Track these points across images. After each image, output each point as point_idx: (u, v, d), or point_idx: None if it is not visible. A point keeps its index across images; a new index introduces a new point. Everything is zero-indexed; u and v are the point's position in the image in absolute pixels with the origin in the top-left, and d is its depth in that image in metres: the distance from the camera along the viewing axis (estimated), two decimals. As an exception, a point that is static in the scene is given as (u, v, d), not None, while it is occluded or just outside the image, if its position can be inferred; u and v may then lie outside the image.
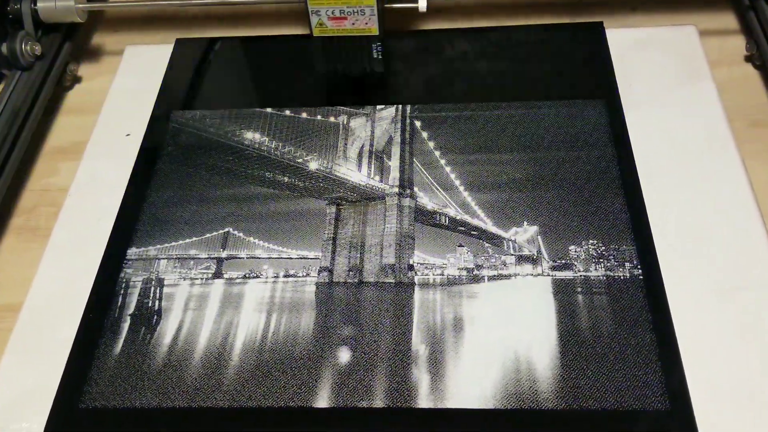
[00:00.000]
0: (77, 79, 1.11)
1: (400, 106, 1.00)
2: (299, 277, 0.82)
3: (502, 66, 1.03)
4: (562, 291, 0.78)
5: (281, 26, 1.14)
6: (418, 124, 0.98)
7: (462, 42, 1.06)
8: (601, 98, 0.94)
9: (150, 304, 0.80)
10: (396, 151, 0.96)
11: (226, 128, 0.97)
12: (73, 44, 1.08)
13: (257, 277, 0.83)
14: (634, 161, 0.86)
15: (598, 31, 1.01)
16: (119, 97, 1.01)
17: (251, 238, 0.86)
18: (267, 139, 0.95)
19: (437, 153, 0.93)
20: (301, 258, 0.84)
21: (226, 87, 1.04)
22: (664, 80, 0.96)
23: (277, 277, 0.83)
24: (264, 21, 1.15)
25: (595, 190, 0.85)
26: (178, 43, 1.07)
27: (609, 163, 0.87)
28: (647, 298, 0.75)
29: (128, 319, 0.79)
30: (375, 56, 1.03)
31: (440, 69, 1.04)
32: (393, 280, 0.81)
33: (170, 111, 0.99)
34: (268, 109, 1.00)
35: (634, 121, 0.90)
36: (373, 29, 0.97)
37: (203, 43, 1.08)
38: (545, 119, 0.95)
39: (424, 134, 0.94)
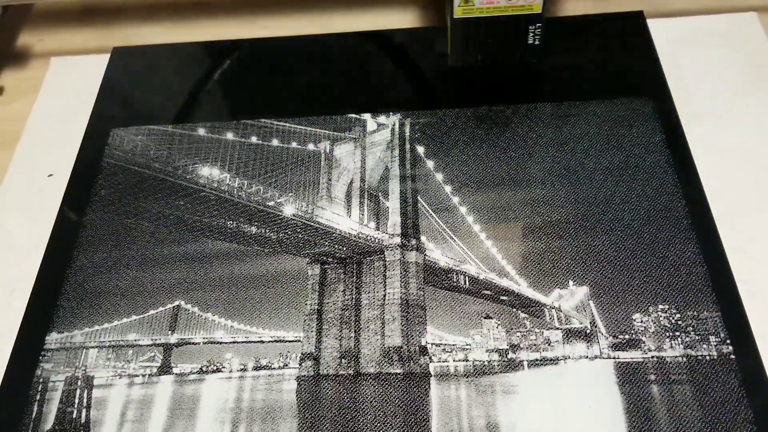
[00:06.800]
0: (-6, 93, 0.93)
1: (397, 125, 0.79)
2: (274, 369, 0.67)
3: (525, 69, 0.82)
4: (630, 379, 0.62)
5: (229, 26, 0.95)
6: (421, 150, 0.77)
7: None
8: (652, 111, 0.78)
9: (75, 415, 0.63)
10: (394, 187, 0.76)
11: (176, 162, 0.77)
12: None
13: (218, 371, 0.68)
14: (703, 192, 0.72)
15: (638, 23, 0.85)
16: (41, 124, 0.85)
17: (209, 315, 0.70)
18: (228, 176, 0.76)
19: (448, 188, 0.76)
20: (276, 341, 0.68)
21: (178, 106, 0.85)
22: (726, 83, 0.80)
23: (244, 370, 0.67)
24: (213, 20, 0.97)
25: (658, 234, 0.69)
26: (116, 52, 0.91)
27: (672, 196, 0.72)
28: (743, 386, 0.58)
29: (44, 438, 0.61)
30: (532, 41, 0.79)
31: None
32: (401, 370, 0.65)
33: (104, 142, 0.78)
34: (229, 135, 0.79)
35: (697, 138, 0.75)
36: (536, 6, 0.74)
37: (148, 52, 0.91)
38: (584, 138, 0.76)
39: (430, 163, 0.76)
